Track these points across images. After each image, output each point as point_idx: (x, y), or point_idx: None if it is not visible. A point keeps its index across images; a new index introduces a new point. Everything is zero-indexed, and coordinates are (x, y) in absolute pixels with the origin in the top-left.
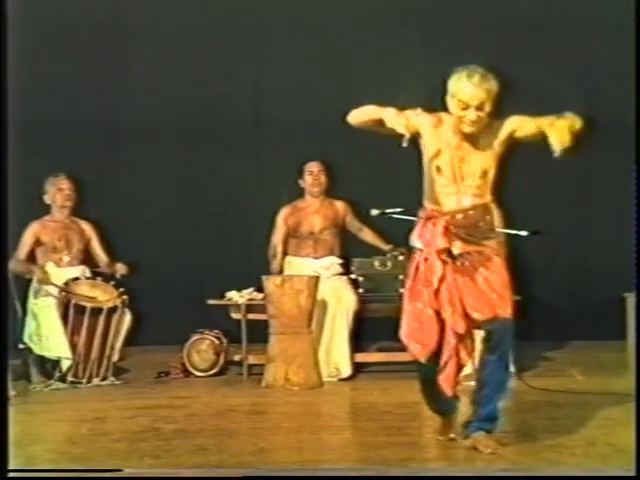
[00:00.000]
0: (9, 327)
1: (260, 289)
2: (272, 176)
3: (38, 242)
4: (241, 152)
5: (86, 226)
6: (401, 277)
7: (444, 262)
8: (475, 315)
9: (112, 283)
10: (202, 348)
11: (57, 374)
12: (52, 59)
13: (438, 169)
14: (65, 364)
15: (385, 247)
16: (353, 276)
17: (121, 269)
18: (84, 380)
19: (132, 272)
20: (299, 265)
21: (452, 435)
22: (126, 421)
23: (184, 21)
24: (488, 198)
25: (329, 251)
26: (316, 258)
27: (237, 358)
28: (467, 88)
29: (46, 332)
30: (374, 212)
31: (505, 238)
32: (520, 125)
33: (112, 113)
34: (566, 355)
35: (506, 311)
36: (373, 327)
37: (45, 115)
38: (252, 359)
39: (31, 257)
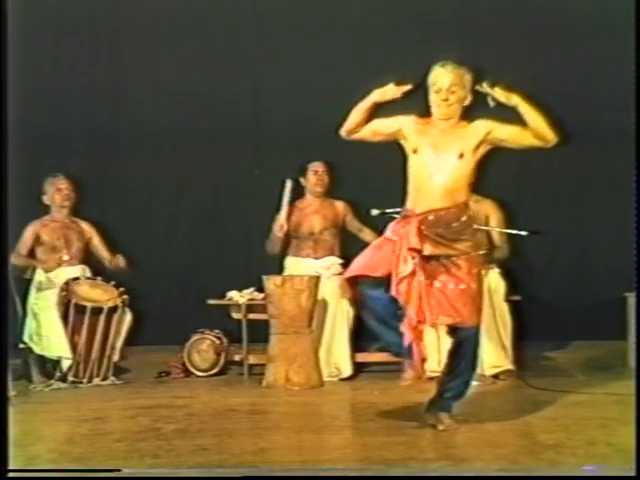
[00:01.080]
0: (9, 327)
1: (261, 289)
2: (272, 176)
3: (38, 241)
4: (241, 152)
5: (86, 226)
6: None
7: (413, 258)
8: (435, 318)
9: (112, 283)
10: (203, 348)
11: (57, 374)
12: (51, 61)
13: (414, 169)
14: (65, 364)
15: None
16: None
17: (120, 261)
18: (84, 380)
19: (130, 266)
20: (299, 265)
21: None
22: (126, 421)
23: (184, 26)
24: (462, 199)
25: (329, 251)
26: (316, 258)
27: (238, 358)
28: (439, 71)
29: (46, 332)
30: (374, 212)
31: (507, 237)
32: (495, 126)
33: (112, 114)
34: (566, 355)
35: (473, 320)
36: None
37: (45, 117)
38: (253, 359)
39: (31, 256)
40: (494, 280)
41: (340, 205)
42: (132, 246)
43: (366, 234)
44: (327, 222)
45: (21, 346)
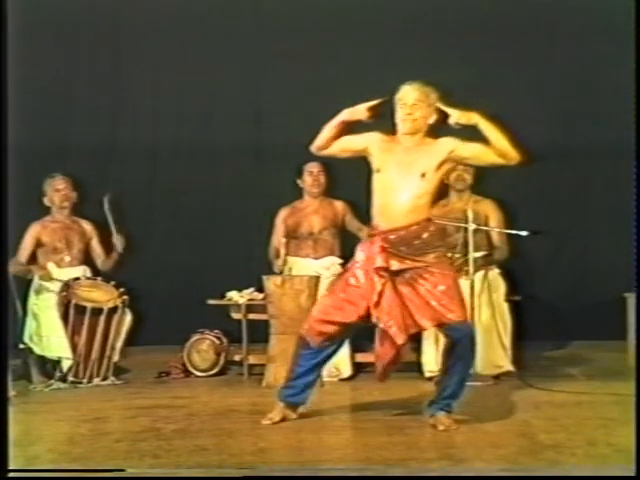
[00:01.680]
0: (9, 327)
1: (260, 289)
2: (272, 176)
3: (39, 243)
4: (241, 151)
5: (87, 226)
6: None
7: (382, 277)
8: (418, 324)
9: (112, 283)
10: (202, 348)
11: (57, 374)
12: (51, 62)
13: (377, 187)
14: (65, 364)
15: None
16: None
17: (118, 240)
18: (84, 380)
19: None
20: (299, 265)
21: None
22: (126, 421)
23: (185, 29)
24: (423, 217)
25: (329, 251)
26: (316, 258)
27: (237, 358)
28: (406, 88)
29: (46, 332)
30: None
31: (507, 237)
32: (458, 145)
33: (113, 115)
34: (566, 355)
35: (458, 315)
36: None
37: (45, 117)
38: (252, 359)
39: (32, 258)
40: (494, 280)
41: (339, 205)
42: (132, 246)
43: (366, 233)
44: (326, 222)
45: (21, 346)
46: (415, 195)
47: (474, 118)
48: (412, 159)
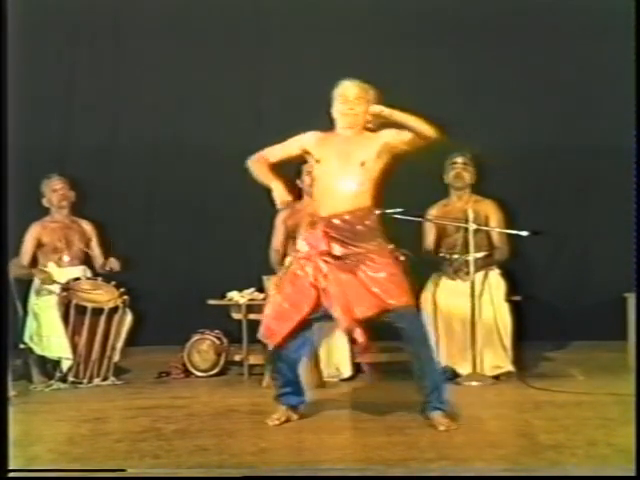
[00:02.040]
0: (10, 327)
1: (261, 289)
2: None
3: (39, 244)
4: (241, 151)
5: (87, 226)
6: None
7: (327, 263)
8: (356, 311)
9: (113, 283)
10: (203, 348)
11: (58, 374)
12: (52, 62)
13: (318, 177)
14: (66, 364)
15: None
16: None
17: (113, 263)
18: (85, 380)
19: (124, 268)
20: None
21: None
22: (127, 421)
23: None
24: (366, 204)
25: None
26: None
27: (238, 358)
28: (346, 84)
29: (47, 332)
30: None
31: (507, 238)
32: (392, 134)
33: (114, 115)
34: (566, 355)
35: (401, 300)
36: (374, 327)
37: (45, 117)
38: (253, 359)
39: (33, 259)
40: (494, 280)
41: None
42: (133, 247)
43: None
44: None
45: (22, 346)
46: (356, 182)
47: (385, 111)
48: (351, 149)
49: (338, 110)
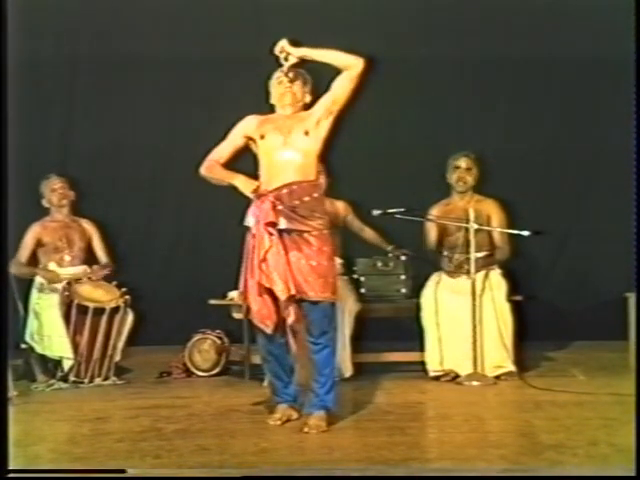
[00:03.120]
0: (10, 327)
1: None
2: None
3: (40, 243)
4: (242, 151)
5: (87, 225)
6: (403, 277)
7: (271, 234)
8: (279, 289)
9: (114, 283)
10: (204, 348)
11: (59, 374)
12: (52, 62)
13: (263, 151)
14: (67, 364)
15: (387, 247)
16: (355, 276)
17: (101, 270)
18: (86, 380)
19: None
20: None
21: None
22: (128, 421)
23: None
24: (313, 176)
25: None
26: None
27: (239, 358)
28: (280, 65)
29: (48, 332)
30: (376, 212)
31: (509, 237)
32: (325, 96)
33: (114, 114)
34: (567, 355)
35: (318, 294)
36: (374, 327)
37: (46, 118)
38: (254, 359)
39: (33, 258)
40: (495, 280)
41: (341, 205)
42: (132, 246)
43: (367, 234)
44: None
45: (23, 346)
46: (302, 152)
47: (299, 52)
48: (293, 122)
49: (275, 93)
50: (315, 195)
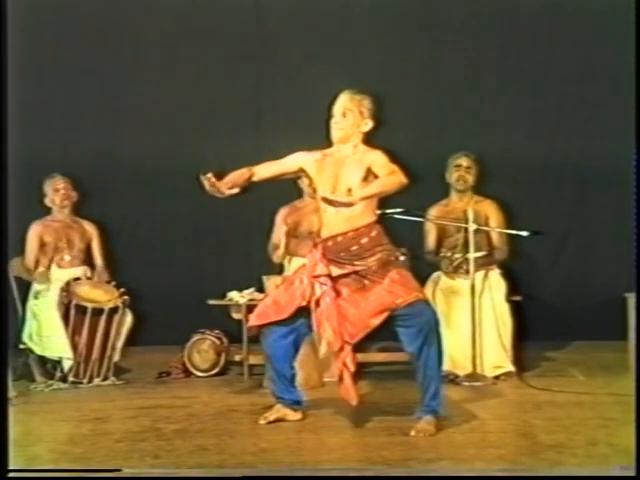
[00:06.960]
0: (10, 327)
1: (261, 289)
2: None
3: (41, 243)
4: (242, 151)
5: (88, 226)
6: None
7: (323, 284)
8: (346, 335)
9: (113, 283)
10: (203, 348)
11: (58, 374)
12: (53, 62)
13: (316, 198)
14: (66, 364)
15: None
16: None
17: (102, 275)
18: (85, 380)
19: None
20: (298, 265)
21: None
22: (127, 421)
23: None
24: (362, 223)
25: None
26: None
27: (238, 358)
28: (337, 98)
29: (47, 332)
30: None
31: (508, 238)
32: (374, 161)
33: (114, 114)
34: (567, 355)
35: (408, 297)
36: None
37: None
38: (253, 359)
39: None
40: (495, 280)
41: None
42: (133, 246)
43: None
44: None
45: (22, 346)
46: (345, 207)
47: (355, 199)
48: (341, 173)
49: (331, 124)
50: (363, 241)
